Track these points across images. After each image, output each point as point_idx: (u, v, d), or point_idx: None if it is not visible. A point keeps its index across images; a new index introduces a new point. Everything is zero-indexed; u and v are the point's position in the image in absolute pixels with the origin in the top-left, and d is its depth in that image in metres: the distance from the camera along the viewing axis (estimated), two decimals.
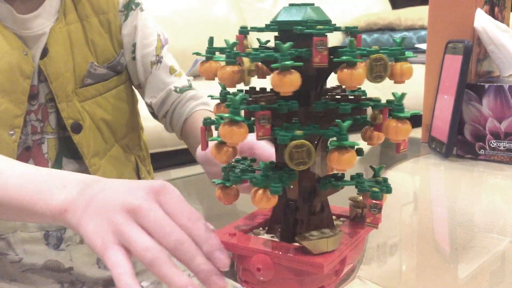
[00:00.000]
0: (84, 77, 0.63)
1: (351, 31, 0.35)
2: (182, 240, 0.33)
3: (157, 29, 0.72)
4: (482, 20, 0.68)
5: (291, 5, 0.34)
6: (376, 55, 0.30)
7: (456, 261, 0.55)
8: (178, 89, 0.70)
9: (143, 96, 0.72)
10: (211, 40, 0.37)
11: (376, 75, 0.30)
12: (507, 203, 0.63)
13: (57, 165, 0.64)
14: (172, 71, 0.71)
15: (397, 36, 1.93)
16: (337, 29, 0.34)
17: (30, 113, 0.61)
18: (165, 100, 0.70)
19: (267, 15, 1.96)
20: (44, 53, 0.60)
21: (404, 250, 0.61)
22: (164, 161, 1.13)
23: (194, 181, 0.86)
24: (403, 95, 0.31)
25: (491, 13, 0.75)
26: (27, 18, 0.59)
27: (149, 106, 0.71)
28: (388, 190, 0.33)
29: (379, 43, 1.96)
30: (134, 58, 0.69)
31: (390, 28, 1.97)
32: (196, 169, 0.69)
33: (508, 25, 0.82)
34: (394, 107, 0.30)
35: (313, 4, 0.35)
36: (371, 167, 0.37)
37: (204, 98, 0.72)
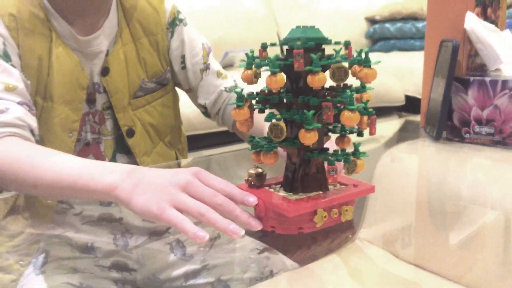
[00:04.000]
0: (136, 91, 0.78)
1: (344, 44, 0.47)
2: (223, 199, 0.47)
3: (201, 39, 0.86)
4: (471, 22, 0.78)
5: (298, 27, 0.47)
6: (337, 64, 0.42)
7: (447, 227, 0.66)
8: (227, 89, 0.84)
9: (194, 98, 0.86)
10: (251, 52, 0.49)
11: (338, 79, 0.42)
12: (487, 178, 0.75)
13: (113, 160, 0.80)
14: (219, 74, 0.85)
15: (420, 25, 2.01)
16: (324, 41, 0.46)
17: (89, 114, 0.77)
18: (217, 100, 0.84)
19: (295, 7, 2.07)
20: (106, 71, 0.75)
21: (400, 217, 0.74)
22: (195, 142, 1.28)
23: (220, 159, 1.00)
24: (351, 93, 0.43)
25: (484, 14, 0.86)
26: (87, 40, 0.74)
27: (203, 106, 0.85)
28: (347, 159, 0.46)
29: (402, 32, 2.04)
30: (184, 68, 0.83)
31: (413, 18, 2.05)
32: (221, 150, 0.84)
33: (503, 23, 0.92)
34: (346, 101, 0.42)
35: (313, 26, 0.47)
36: (353, 143, 0.49)
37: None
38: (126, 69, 0.79)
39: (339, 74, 0.43)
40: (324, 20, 2.10)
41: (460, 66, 0.82)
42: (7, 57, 0.69)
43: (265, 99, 0.45)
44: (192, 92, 0.86)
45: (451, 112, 0.80)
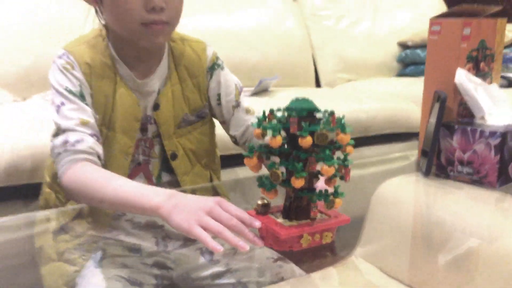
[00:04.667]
0: (180, 122, 0.97)
1: (329, 113, 0.64)
2: (236, 222, 0.65)
3: (234, 81, 1.04)
4: (460, 77, 0.93)
5: (297, 98, 0.64)
6: (319, 131, 0.59)
7: (432, 250, 0.81)
8: (253, 124, 1.02)
9: (226, 129, 1.04)
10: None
11: (320, 141, 0.60)
12: (466, 211, 0.90)
13: (159, 178, 0.99)
14: (247, 111, 1.03)
15: None
16: (315, 110, 0.63)
17: (141, 140, 0.96)
18: (245, 133, 1.02)
19: (329, 32, 2.22)
20: (156, 107, 0.94)
21: (392, 240, 0.89)
22: (229, 161, 1.46)
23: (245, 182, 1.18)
24: (329, 151, 0.60)
25: (476, 67, 1.00)
26: (144, 82, 0.93)
27: (233, 137, 1.03)
28: (326, 199, 0.63)
29: None
30: (219, 104, 1.01)
31: None
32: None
33: (498, 74, 1.06)
34: (324, 158, 0.60)
35: (307, 99, 0.64)
36: (334, 186, 0.66)
37: None
38: (173, 105, 0.98)
39: (321, 139, 0.60)
40: (358, 44, 2.25)
41: (451, 112, 0.97)
42: (82, 97, 0.89)
43: (269, 151, 0.62)
44: (225, 124, 1.04)
45: (440, 152, 0.95)
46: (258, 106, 1.45)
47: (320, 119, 0.63)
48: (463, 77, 0.93)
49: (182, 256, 0.93)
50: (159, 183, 1.01)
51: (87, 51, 0.92)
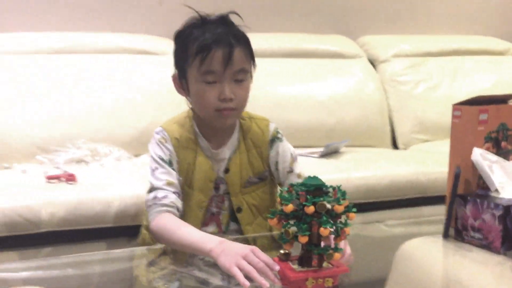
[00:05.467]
0: (245, 183, 1.24)
1: (332, 188, 0.87)
2: (262, 265, 0.90)
3: (290, 150, 1.29)
4: (475, 156, 1.10)
5: (309, 177, 0.88)
6: (319, 203, 0.82)
7: None
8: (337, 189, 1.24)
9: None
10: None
11: (320, 209, 0.82)
12: (477, 273, 1.05)
13: (227, 227, 1.26)
14: (299, 176, 1.27)
15: None
16: (321, 186, 0.87)
17: (215, 196, 1.24)
18: None
19: (407, 96, 2.39)
20: (227, 171, 1.23)
21: None
22: None
23: None
24: (327, 217, 0.82)
25: (497, 146, 1.16)
26: (218, 152, 1.22)
27: None
28: (325, 252, 0.85)
29: None
30: (277, 169, 1.27)
31: None
32: None
33: None
34: (321, 222, 0.82)
35: (316, 177, 0.88)
36: (335, 243, 0.88)
37: None
38: (240, 169, 1.25)
39: (321, 208, 0.83)
40: (436, 107, 2.38)
41: (470, 185, 1.13)
42: (170, 164, 1.20)
43: (285, 215, 0.86)
44: (281, 185, 1.29)
45: (457, 219, 1.11)
46: (323, 167, 1.69)
47: (327, 192, 0.86)
48: (478, 156, 1.09)
49: None
50: (227, 230, 1.28)
51: (177, 128, 1.24)
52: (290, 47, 2.36)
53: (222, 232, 1.27)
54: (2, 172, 1.57)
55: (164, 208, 1.14)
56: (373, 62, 2.51)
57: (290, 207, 0.85)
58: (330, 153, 1.85)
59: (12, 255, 1.29)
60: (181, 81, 1.21)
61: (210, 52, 1.12)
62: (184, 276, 1.19)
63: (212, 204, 1.26)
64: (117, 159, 1.67)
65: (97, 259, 1.35)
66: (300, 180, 1.28)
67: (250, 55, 1.20)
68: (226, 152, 1.24)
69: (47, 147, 1.75)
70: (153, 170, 1.20)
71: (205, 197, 1.23)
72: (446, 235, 1.11)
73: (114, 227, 1.40)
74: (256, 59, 2.21)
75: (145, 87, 1.96)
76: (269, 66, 2.25)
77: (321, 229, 0.82)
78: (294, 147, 2.05)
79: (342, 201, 0.85)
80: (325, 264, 0.89)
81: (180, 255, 1.22)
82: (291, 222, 0.87)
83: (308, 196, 0.83)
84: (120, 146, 1.81)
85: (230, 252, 0.95)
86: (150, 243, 1.29)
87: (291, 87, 2.24)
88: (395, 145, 2.38)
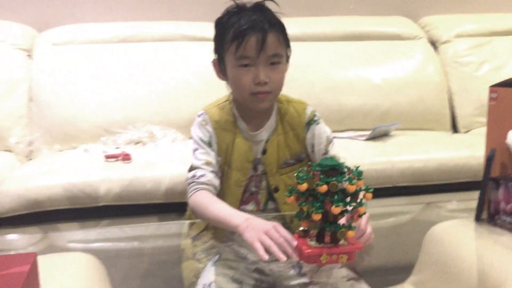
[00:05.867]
0: (282, 164, 1.29)
1: (347, 168, 0.91)
2: (282, 241, 0.96)
3: (326, 133, 1.32)
4: (510, 138, 1.08)
5: (326, 157, 0.92)
6: (332, 182, 0.86)
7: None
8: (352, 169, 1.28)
9: None
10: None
11: (333, 188, 0.86)
12: (507, 257, 1.04)
13: (265, 205, 1.32)
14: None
15: None
16: (336, 166, 0.91)
17: (254, 176, 1.30)
18: None
19: (469, 78, 2.31)
20: (264, 152, 1.29)
21: (441, 274, 1.08)
22: None
23: None
24: (339, 196, 0.87)
25: None
26: (256, 134, 1.28)
27: None
28: (336, 230, 0.89)
29: None
30: (313, 151, 1.31)
31: None
32: None
33: None
34: (333, 201, 0.86)
35: (333, 157, 0.92)
36: (350, 221, 0.92)
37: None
38: (277, 150, 1.31)
39: (333, 187, 0.87)
40: None
41: (506, 168, 1.11)
42: (210, 145, 1.28)
43: (301, 193, 0.91)
44: None
45: (490, 202, 1.10)
46: (367, 150, 1.70)
47: (343, 173, 0.90)
48: None
49: (278, 267, 1.24)
50: (265, 209, 1.34)
51: (217, 112, 1.31)
52: (346, 30, 2.35)
53: (260, 210, 1.34)
54: (68, 152, 1.73)
55: (202, 185, 1.22)
56: (434, 43, 2.44)
57: (304, 186, 0.89)
58: (378, 136, 1.84)
59: (74, 225, 1.44)
60: (220, 66, 1.28)
61: (244, 38, 1.18)
62: (224, 250, 1.27)
63: (251, 184, 1.33)
64: (173, 140, 1.78)
65: (149, 232, 1.48)
66: None
67: (284, 40, 1.24)
68: (264, 134, 1.30)
69: (111, 128, 1.90)
70: (193, 151, 1.29)
71: (243, 177, 1.30)
72: (478, 219, 1.10)
73: (164, 203, 1.51)
74: (311, 43, 2.29)
75: (201, 72, 2.05)
76: (324, 50, 2.28)
77: (333, 207, 0.86)
78: (347, 130, 2.11)
79: (354, 181, 0.88)
80: (342, 241, 0.93)
81: (220, 230, 1.30)
82: (307, 200, 0.92)
83: (322, 176, 0.87)
84: (176, 128, 1.92)
85: (254, 227, 1.02)
86: (195, 218, 1.39)
87: (346, 71, 2.24)
88: (456, 129, 2.31)
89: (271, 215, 1.33)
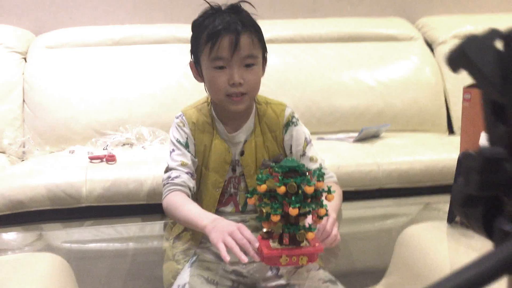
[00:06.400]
0: (260, 165, 1.29)
1: (307, 170, 0.91)
2: (244, 242, 0.96)
3: (305, 135, 1.32)
4: (483, 140, 1.06)
5: (286, 159, 0.92)
6: (289, 184, 0.86)
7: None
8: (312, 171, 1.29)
9: None
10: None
11: (290, 190, 0.86)
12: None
13: (244, 207, 1.32)
14: (311, 159, 1.31)
15: None
16: (295, 168, 0.90)
17: (232, 178, 1.31)
18: None
19: (466, 80, 2.27)
20: (242, 153, 1.29)
21: (410, 275, 1.08)
22: None
23: None
24: (294, 197, 0.86)
25: None
26: (234, 135, 1.28)
27: None
28: (295, 231, 0.88)
29: None
30: (291, 153, 1.31)
31: None
32: None
33: None
34: (290, 203, 0.85)
35: (293, 159, 0.92)
36: (309, 223, 0.91)
37: (329, 174, 1.30)
38: (255, 152, 1.31)
39: (291, 188, 0.86)
40: None
41: None
42: (187, 146, 1.29)
43: (261, 194, 0.91)
44: None
45: None
46: (353, 152, 1.69)
47: (304, 174, 0.89)
48: (486, 141, 1.05)
49: (255, 269, 1.24)
50: (244, 210, 1.34)
51: (195, 113, 1.32)
52: (342, 31, 2.35)
53: (239, 211, 1.34)
54: (57, 153, 1.76)
55: (176, 187, 1.23)
56: (431, 44, 2.42)
57: (263, 187, 0.89)
58: (368, 138, 1.83)
59: (57, 226, 1.46)
60: (197, 68, 1.29)
61: (218, 39, 1.18)
62: (201, 251, 1.27)
63: (230, 185, 1.33)
64: (161, 142, 1.79)
65: (132, 233, 1.49)
66: (312, 164, 1.31)
67: (259, 41, 1.24)
68: (241, 135, 1.30)
69: (102, 130, 1.92)
70: (170, 152, 1.29)
71: (221, 178, 1.30)
72: (450, 221, 1.09)
73: (147, 204, 1.52)
74: (305, 45, 2.29)
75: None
76: (318, 52, 2.27)
77: (290, 208, 0.86)
78: (339, 132, 2.10)
79: (312, 183, 0.87)
80: (304, 243, 0.93)
81: (198, 231, 1.31)
82: (268, 202, 0.91)
83: (280, 177, 0.87)
84: (168, 130, 1.92)
85: (219, 228, 1.02)
86: None
87: (340, 73, 2.23)
88: (452, 131, 2.28)
89: (249, 216, 1.33)
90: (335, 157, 1.62)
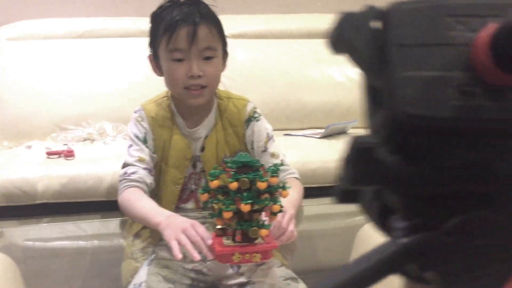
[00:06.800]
0: (221, 162, 1.26)
1: (259, 165, 0.88)
2: (198, 239, 0.93)
3: (267, 130, 1.29)
4: None
5: (240, 154, 0.89)
6: (241, 179, 0.83)
7: None
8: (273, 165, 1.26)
9: None
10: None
11: (242, 185, 0.83)
12: None
13: (206, 203, 1.28)
14: (272, 155, 1.28)
15: None
16: (249, 163, 0.88)
17: (193, 174, 1.27)
18: None
19: None
20: (203, 149, 1.25)
21: None
22: None
23: None
24: (246, 193, 0.83)
25: None
26: (194, 131, 1.25)
27: None
28: (247, 228, 0.86)
29: None
30: (252, 148, 1.28)
31: None
32: None
33: None
34: (241, 198, 0.83)
35: (247, 154, 0.89)
36: (262, 219, 0.89)
37: (290, 170, 1.27)
38: (216, 148, 1.28)
39: (243, 184, 0.84)
40: None
41: None
42: (145, 141, 1.25)
43: (213, 190, 0.88)
44: None
45: None
46: (319, 148, 1.67)
47: (257, 169, 0.87)
48: None
49: (216, 267, 1.21)
50: (205, 207, 1.31)
51: (154, 107, 1.28)
52: (311, 27, 2.31)
53: (200, 208, 1.31)
54: (15, 149, 1.70)
55: (132, 183, 1.19)
56: None
57: (215, 183, 0.86)
58: (334, 134, 1.82)
59: (13, 223, 1.41)
60: (156, 62, 1.25)
61: (175, 30, 1.15)
62: (160, 249, 1.24)
63: (191, 182, 1.30)
64: (125, 137, 1.74)
65: (91, 230, 1.44)
66: (273, 160, 1.29)
67: (218, 33, 1.21)
68: (202, 131, 1.27)
69: (64, 125, 1.86)
70: (128, 147, 1.26)
71: (180, 174, 1.27)
72: None
73: (106, 201, 1.47)
74: (275, 40, 2.26)
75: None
76: (288, 48, 2.25)
77: (242, 204, 0.83)
78: (307, 128, 2.08)
79: (265, 178, 0.85)
80: (258, 240, 0.90)
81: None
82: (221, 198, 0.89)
83: (232, 172, 0.84)
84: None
85: (173, 226, 0.99)
86: None
87: (309, 69, 2.20)
88: None
89: (209, 213, 1.30)
90: (300, 153, 1.60)
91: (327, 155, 1.62)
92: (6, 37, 2.05)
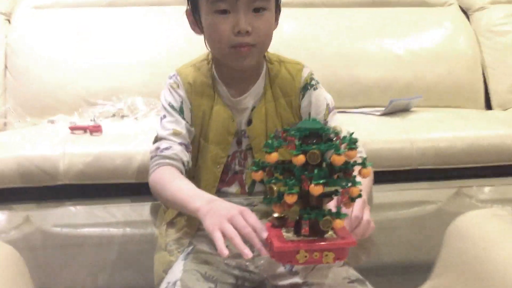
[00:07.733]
0: (277, 132, 1.05)
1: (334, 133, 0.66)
2: (249, 231, 0.73)
3: (327, 101, 1.08)
4: None
5: (306, 120, 0.68)
6: (311, 151, 0.62)
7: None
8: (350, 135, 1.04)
9: None
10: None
11: (311, 160, 0.62)
12: None
13: (251, 187, 1.09)
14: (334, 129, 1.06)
15: None
16: (318, 130, 0.66)
17: (237, 152, 1.07)
18: None
19: (506, 50, 2.02)
20: (249, 122, 1.05)
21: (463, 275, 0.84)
22: None
23: None
24: (318, 170, 0.62)
25: None
26: (239, 100, 1.04)
27: None
28: (318, 217, 0.64)
29: None
30: None
31: None
32: None
33: None
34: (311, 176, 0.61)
35: (315, 119, 0.67)
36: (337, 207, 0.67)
37: (358, 149, 1.05)
38: (266, 121, 1.07)
39: (312, 158, 0.62)
40: None
41: None
42: (181, 112, 1.05)
43: (272, 166, 0.67)
44: None
45: None
46: (382, 125, 1.46)
47: (329, 139, 0.65)
48: None
49: (265, 263, 1.00)
50: (252, 191, 1.11)
51: (192, 72, 1.08)
52: None
53: (246, 193, 1.10)
54: (39, 124, 1.55)
55: (166, 160, 0.99)
56: (466, 11, 2.18)
57: (274, 156, 0.65)
58: (396, 111, 1.59)
59: (31, 207, 1.24)
60: (195, 17, 1.05)
61: None
62: (198, 240, 1.05)
63: (235, 161, 1.09)
64: (158, 113, 1.56)
65: (119, 216, 1.27)
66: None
67: None
68: (249, 100, 1.06)
69: (92, 100, 1.70)
70: (161, 119, 1.06)
71: (223, 152, 1.07)
72: None
73: (136, 183, 1.30)
74: (324, 9, 2.05)
75: (195, 38, 1.81)
76: (339, 17, 2.06)
77: (312, 186, 0.62)
78: (361, 107, 1.86)
79: (343, 151, 0.63)
80: (329, 233, 0.69)
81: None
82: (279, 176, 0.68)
83: (298, 143, 0.63)
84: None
85: (216, 213, 0.78)
86: None
87: (363, 41, 2.00)
88: (490, 107, 2.04)
89: (259, 199, 1.08)
90: (359, 133, 1.38)
91: (391, 135, 1.41)
92: (33, 5, 1.90)
